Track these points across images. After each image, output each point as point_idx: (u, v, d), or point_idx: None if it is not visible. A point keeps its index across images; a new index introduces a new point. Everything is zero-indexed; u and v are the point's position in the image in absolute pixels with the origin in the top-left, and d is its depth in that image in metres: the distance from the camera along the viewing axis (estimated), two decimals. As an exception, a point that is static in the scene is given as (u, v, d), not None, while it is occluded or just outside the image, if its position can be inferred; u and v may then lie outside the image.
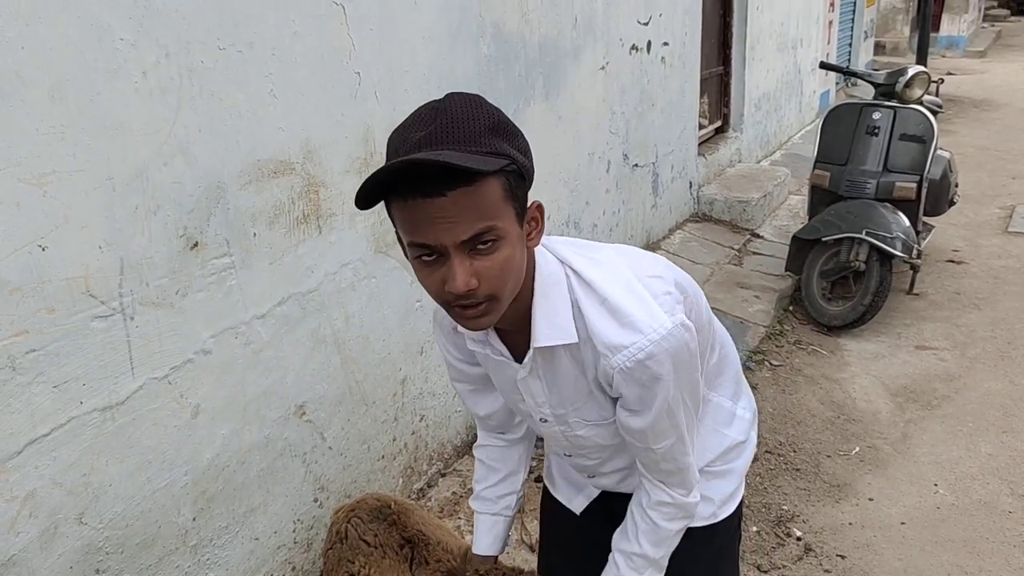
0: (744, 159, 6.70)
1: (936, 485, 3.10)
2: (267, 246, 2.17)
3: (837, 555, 2.76)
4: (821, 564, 2.73)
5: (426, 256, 1.11)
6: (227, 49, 1.97)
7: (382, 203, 1.12)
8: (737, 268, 5.02)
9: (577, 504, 1.68)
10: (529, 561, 2.47)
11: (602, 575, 1.51)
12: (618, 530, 1.51)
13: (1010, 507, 2.95)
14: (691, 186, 5.57)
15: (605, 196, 4.17)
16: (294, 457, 2.37)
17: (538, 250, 1.27)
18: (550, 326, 1.26)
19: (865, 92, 6.10)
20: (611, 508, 1.62)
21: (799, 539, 2.84)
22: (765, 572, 2.71)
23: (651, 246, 4.88)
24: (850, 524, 2.91)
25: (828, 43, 8.99)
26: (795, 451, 3.34)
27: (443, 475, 3.05)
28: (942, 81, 5.96)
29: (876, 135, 4.52)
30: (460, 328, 1.32)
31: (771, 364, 4.04)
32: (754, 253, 5.32)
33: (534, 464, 2.58)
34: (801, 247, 4.60)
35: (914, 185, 4.41)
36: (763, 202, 5.82)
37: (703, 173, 5.78)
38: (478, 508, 1.71)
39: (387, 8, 2.46)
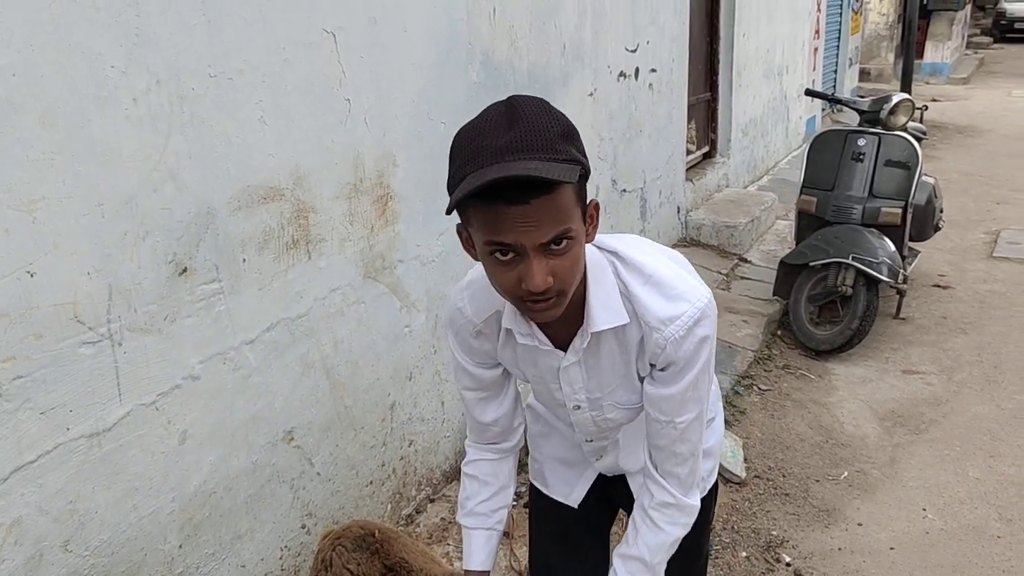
0: (731, 184, 6.75)
1: (925, 510, 3.11)
2: (256, 271, 2.17)
3: (826, 581, 2.76)
4: (810, 590, 2.73)
5: (501, 254, 1.18)
6: (218, 76, 1.98)
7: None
8: (725, 293, 5.04)
9: (575, 497, 1.76)
10: (518, 588, 2.46)
11: None
12: (620, 541, 1.58)
13: (998, 532, 2.96)
14: (679, 211, 5.60)
15: (594, 221, 4.17)
16: (282, 483, 2.36)
17: None
18: (605, 310, 1.35)
19: (851, 118, 6.18)
20: (607, 492, 1.76)
21: (788, 564, 2.84)
22: (755, 598, 2.70)
23: (640, 271, 4.89)
24: (839, 549, 2.91)
25: (813, 70, 9.09)
26: (784, 476, 3.35)
27: (432, 501, 3.03)
28: (926, 108, 6.04)
29: (862, 161, 4.57)
30: (513, 327, 1.41)
31: (760, 389, 4.05)
32: (742, 278, 5.35)
33: (521, 490, 2.57)
34: (789, 272, 4.62)
35: (899, 211, 4.46)
36: (751, 227, 5.86)
37: (691, 198, 5.82)
38: (471, 524, 1.71)
39: (377, 36, 2.48)
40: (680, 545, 1.56)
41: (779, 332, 4.70)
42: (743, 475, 3.28)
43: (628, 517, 1.61)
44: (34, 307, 1.65)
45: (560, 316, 1.32)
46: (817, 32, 9.06)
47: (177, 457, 2.01)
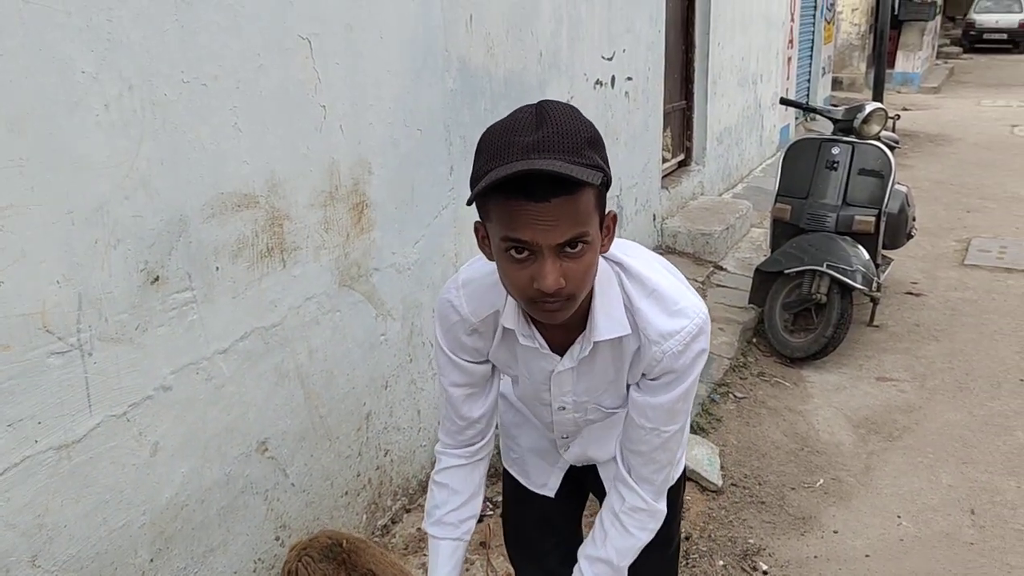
0: (707, 192, 6.78)
1: (899, 517, 3.12)
2: (230, 280, 2.14)
3: (803, 588, 2.77)
4: (787, 598, 2.73)
5: (516, 251, 1.19)
6: (191, 82, 1.95)
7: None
8: (701, 300, 5.05)
9: (551, 486, 1.83)
10: (495, 598, 2.44)
11: None
12: (585, 540, 1.63)
13: (971, 538, 2.98)
14: (655, 219, 5.62)
15: (570, 229, 4.17)
16: (255, 495, 2.32)
17: None
18: (609, 320, 1.37)
19: (824, 127, 6.22)
20: (579, 480, 1.83)
21: (765, 573, 2.84)
22: (732, 606, 2.70)
23: (616, 278, 4.89)
24: (815, 557, 2.91)
25: (787, 78, 9.17)
26: (760, 484, 3.35)
27: (408, 511, 3.01)
28: (898, 117, 6.09)
29: (835, 170, 4.60)
30: (516, 328, 1.43)
31: (735, 396, 4.07)
32: (718, 285, 5.37)
33: (497, 499, 2.55)
34: (764, 279, 4.64)
35: (873, 219, 4.49)
36: (726, 235, 5.88)
37: (666, 206, 5.84)
38: (438, 534, 1.69)
39: (353, 42, 2.46)
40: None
41: (754, 339, 4.72)
42: (720, 483, 3.28)
43: (599, 502, 1.66)
44: (1, 317, 1.62)
45: (568, 322, 1.34)
46: (791, 41, 9.14)
47: (148, 469, 1.98)
